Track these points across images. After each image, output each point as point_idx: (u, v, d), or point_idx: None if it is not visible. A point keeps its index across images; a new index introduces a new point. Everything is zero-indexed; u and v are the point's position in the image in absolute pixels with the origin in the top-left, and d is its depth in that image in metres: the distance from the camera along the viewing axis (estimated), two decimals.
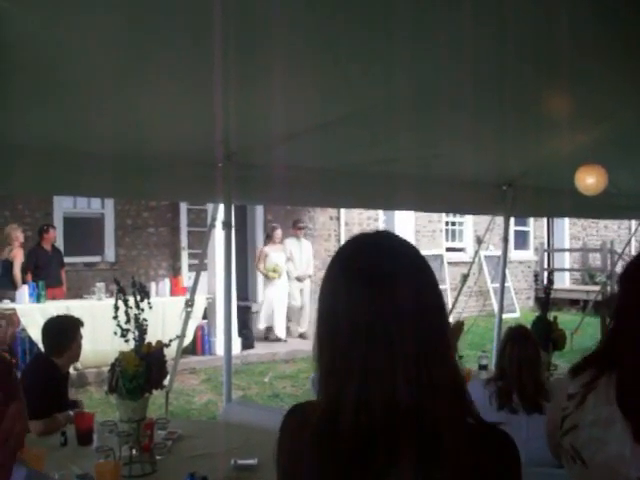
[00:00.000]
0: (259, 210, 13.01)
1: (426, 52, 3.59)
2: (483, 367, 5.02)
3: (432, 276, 1.30)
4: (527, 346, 3.56)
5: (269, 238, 12.20)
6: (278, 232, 12.07)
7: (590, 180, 5.53)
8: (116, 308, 2.81)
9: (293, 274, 12.32)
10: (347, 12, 3.09)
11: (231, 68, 3.35)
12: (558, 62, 3.95)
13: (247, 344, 11.26)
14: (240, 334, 11.04)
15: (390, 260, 1.25)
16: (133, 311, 2.80)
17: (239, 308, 11.15)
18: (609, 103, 4.80)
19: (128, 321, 2.83)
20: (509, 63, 3.87)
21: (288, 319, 12.45)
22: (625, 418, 1.53)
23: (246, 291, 13.04)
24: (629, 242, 11.41)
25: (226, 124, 4.13)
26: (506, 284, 14.81)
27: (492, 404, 3.43)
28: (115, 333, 2.84)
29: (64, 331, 4.29)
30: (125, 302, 2.80)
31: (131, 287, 2.94)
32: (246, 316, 11.70)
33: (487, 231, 7.44)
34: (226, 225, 4.94)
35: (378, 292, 1.20)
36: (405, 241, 1.32)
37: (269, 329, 12.21)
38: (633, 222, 11.52)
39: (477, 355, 5.32)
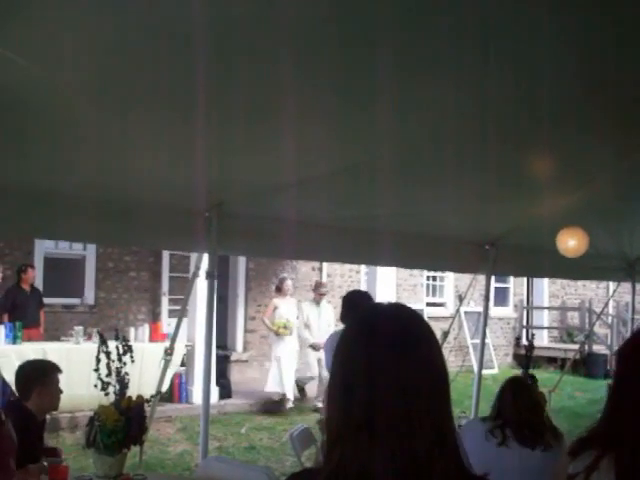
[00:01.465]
0: (241, 259, 13.01)
1: (410, 112, 3.65)
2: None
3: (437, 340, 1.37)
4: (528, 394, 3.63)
5: (279, 290, 11.45)
6: (288, 283, 11.43)
7: (571, 242, 5.61)
8: (98, 360, 2.78)
9: (309, 341, 11.15)
10: (330, 71, 3.14)
11: (217, 117, 3.39)
12: (540, 127, 4.04)
13: (224, 393, 11.14)
14: (218, 383, 10.93)
15: (410, 325, 1.31)
16: (115, 364, 2.77)
17: (218, 357, 11.05)
18: (589, 168, 4.91)
19: (109, 374, 2.79)
20: (492, 125, 3.94)
21: (300, 388, 11.66)
22: None
23: (225, 339, 12.96)
24: (607, 302, 11.47)
25: (213, 174, 4.17)
26: (487, 340, 14.83)
27: (489, 440, 3.46)
28: (95, 386, 2.79)
29: (39, 376, 4.12)
30: (107, 354, 2.77)
31: (114, 338, 2.91)
32: (224, 365, 11.59)
33: (468, 289, 7.49)
34: (210, 275, 4.94)
35: (401, 356, 1.24)
36: (412, 309, 1.39)
37: (283, 399, 11.14)
38: (611, 282, 11.64)
39: (457, 415, 5.29)
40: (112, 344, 3.02)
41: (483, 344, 7.37)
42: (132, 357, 2.92)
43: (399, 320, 1.32)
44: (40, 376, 4.07)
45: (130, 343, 2.98)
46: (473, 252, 6.59)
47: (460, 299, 7.21)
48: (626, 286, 8.39)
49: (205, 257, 5.09)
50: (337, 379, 1.27)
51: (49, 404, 4.15)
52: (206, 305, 5.09)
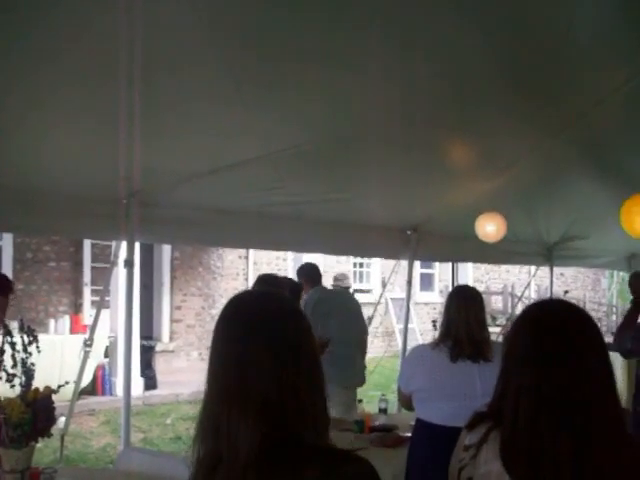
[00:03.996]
0: (166, 247, 12.80)
1: (334, 101, 3.64)
2: (383, 410, 5.03)
3: None
4: (472, 300, 3.63)
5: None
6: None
7: (490, 228, 5.71)
8: (1, 352, 2.67)
9: None
10: (256, 55, 3.11)
11: (136, 105, 3.30)
12: (460, 114, 4.09)
13: (150, 384, 10.98)
14: (143, 374, 10.76)
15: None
16: (20, 355, 2.67)
17: (142, 347, 10.88)
18: (509, 154, 5.00)
19: (15, 365, 2.69)
20: (413, 112, 3.97)
21: None
22: (507, 473, 1.56)
23: (150, 329, 12.75)
24: (528, 285, 11.76)
25: (130, 161, 4.06)
26: (411, 325, 15.02)
27: (444, 359, 3.48)
28: (0, 378, 2.69)
29: None
30: (12, 345, 2.67)
31: (19, 329, 2.81)
32: (149, 355, 11.41)
33: (392, 274, 7.55)
34: (128, 264, 4.83)
35: None
36: None
37: None
38: (533, 266, 11.94)
39: (378, 398, 5.33)
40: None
41: (406, 329, 7.45)
42: (38, 347, 2.81)
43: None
44: None
45: (35, 333, 2.85)
46: (396, 238, 6.64)
47: (384, 284, 7.25)
48: (547, 270, 8.60)
49: (124, 245, 4.98)
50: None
51: None
52: (125, 294, 4.97)
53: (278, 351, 1.30)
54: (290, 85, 3.42)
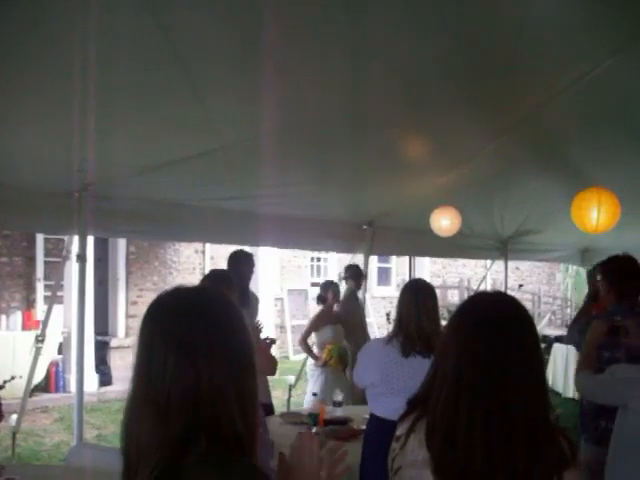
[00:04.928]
0: (121, 242, 12.65)
1: (290, 92, 3.63)
2: (338, 404, 5.05)
3: None
4: (424, 295, 3.62)
5: (323, 301, 6.97)
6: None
7: (444, 222, 5.77)
8: None
9: None
10: (210, 49, 3.09)
11: (90, 98, 3.25)
12: (415, 110, 4.11)
13: (105, 380, 10.84)
14: (97, 370, 10.62)
15: None
16: None
17: (97, 343, 10.74)
18: (463, 150, 5.04)
19: None
20: (369, 108, 3.98)
21: None
22: (434, 464, 1.58)
23: (106, 325, 12.59)
24: (484, 279, 11.89)
25: (83, 154, 4.00)
26: (368, 319, 15.08)
27: (396, 354, 3.48)
28: None
29: None
30: None
31: None
32: (104, 351, 11.26)
33: (342, 268, 7.57)
34: (80, 258, 4.76)
35: None
36: None
37: None
38: (489, 260, 12.09)
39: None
40: None
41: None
42: None
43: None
44: None
45: None
46: (352, 232, 6.68)
47: (339, 279, 7.26)
48: (503, 264, 8.73)
49: (77, 239, 4.91)
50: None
51: None
52: (77, 289, 4.90)
53: (186, 352, 1.26)
54: (243, 80, 3.40)
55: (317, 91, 3.69)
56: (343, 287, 7.03)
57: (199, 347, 1.27)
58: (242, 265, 5.65)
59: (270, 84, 3.45)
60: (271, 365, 4.06)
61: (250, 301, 5.65)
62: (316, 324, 6.85)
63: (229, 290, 3.73)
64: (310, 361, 6.80)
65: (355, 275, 6.87)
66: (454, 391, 1.61)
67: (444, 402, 1.62)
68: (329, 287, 6.85)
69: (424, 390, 1.75)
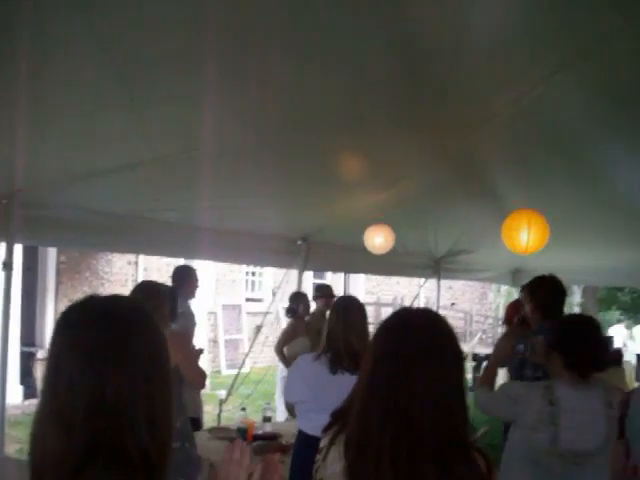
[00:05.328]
0: (52, 251, 12.35)
1: (225, 108, 3.62)
2: (267, 419, 5.02)
3: None
4: (352, 312, 3.62)
5: (293, 313, 7.04)
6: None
7: (378, 239, 5.82)
8: None
9: None
10: (144, 59, 3.05)
11: (20, 103, 3.18)
12: (351, 127, 4.14)
13: (30, 393, 10.54)
14: (22, 382, 10.32)
15: None
16: None
17: (22, 354, 10.45)
18: (398, 169, 5.10)
19: None
20: (306, 125, 3.99)
21: None
22: (348, 474, 1.60)
23: (32, 336, 12.25)
24: (417, 297, 12.02)
25: (11, 160, 3.90)
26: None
27: (324, 371, 3.47)
28: None
29: None
30: None
31: None
32: (30, 362, 10.96)
33: (282, 284, 7.55)
34: (7, 266, 4.63)
35: None
36: None
37: None
38: (423, 278, 12.26)
39: (262, 407, 5.31)
40: None
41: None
42: None
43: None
44: None
45: None
46: (286, 247, 6.67)
47: (273, 294, 7.24)
48: (436, 282, 8.86)
49: (3, 247, 4.77)
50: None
51: None
52: (3, 298, 4.76)
53: (92, 363, 1.23)
54: (182, 90, 3.38)
55: (254, 106, 3.69)
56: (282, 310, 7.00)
57: (106, 359, 1.24)
58: (186, 280, 5.68)
59: (208, 96, 3.43)
60: (200, 378, 4.02)
61: (185, 316, 5.61)
62: (289, 337, 6.84)
63: (159, 302, 3.68)
64: (283, 372, 6.74)
65: (326, 295, 6.82)
66: (367, 405, 1.63)
67: (358, 415, 1.64)
68: (300, 299, 6.86)
69: (347, 403, 1.77)
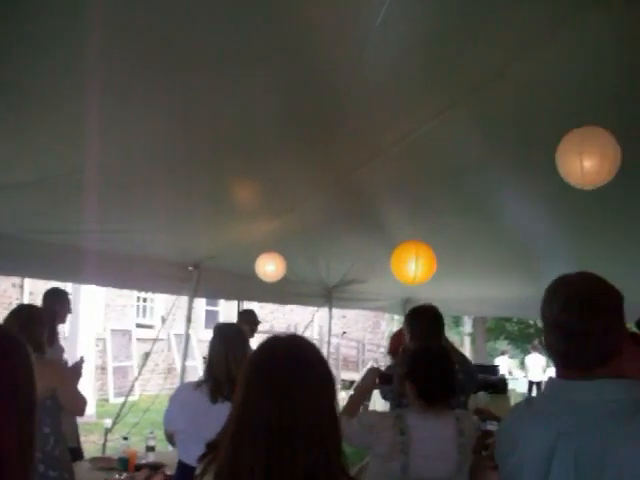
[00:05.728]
0: None
1: (114, 129, 3.56)
2: (150, 448, 4.91)
3: None
4: (233, 340, 3.59)
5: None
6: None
7: (269, 267, 5.84)
8: None
9: None
10: (32, 76, 2.98)
11: None
12: (245, 156, 4.16)
13: None
14: None
15: None
16: None
17: None
18: (291, 198, 5.15)
19: None
20: (198, 150, 3.99)
21: None
22: None
23: None
24: (309, 325, 12.07)
25: None
26: (194, 362, 14.85)
27: (204, 400, 3.41)
28: None
29: None
30: None
31: None
32: None
33: (171, 310, 7.44)
34: None
35: None
36: None
37: None
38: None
39: (146, 436, 5.20)
40: None
41: (183, 366, 7.39)
42: None
43: None
44: None
45: None
46: (177, 273, 6.58)
47: (163, 320, 7.14)
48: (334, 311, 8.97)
49: None
50: None
51: None
52: None
53: None
54: (67, 112, 3.31)
55: (141, 133, 3.65)
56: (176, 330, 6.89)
57: None
58: (57, 304, 5.49)
59: (94, 118, 3.38)
60: (80, 404, 3.90)
61: (58, 341, 5.48)
62: None
63: (36, 328, 3.57)
64: None
65: (250, 321, 6.67)
66: (238, 434, 1.61)
67: (228, 445, 1.61)
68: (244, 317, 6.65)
69: (221, 433, 1.73)
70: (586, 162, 3.18)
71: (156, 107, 3.37)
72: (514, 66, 3.20)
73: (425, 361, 3.15)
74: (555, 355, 1.79)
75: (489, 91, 3.43)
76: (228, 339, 3.58)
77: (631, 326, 5.19)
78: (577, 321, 1.71)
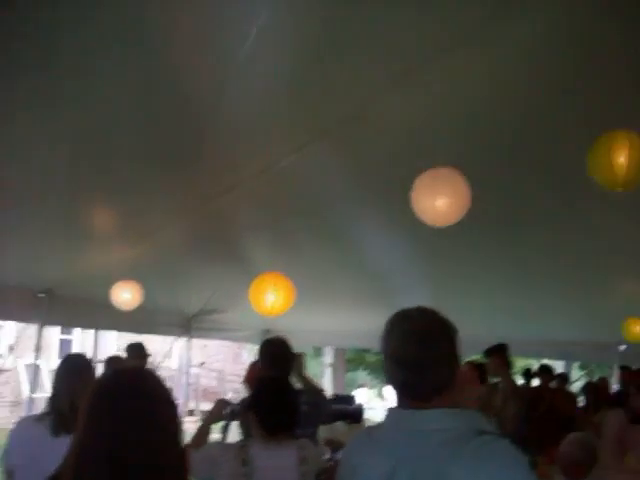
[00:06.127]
0: None
1: (43, 141, 3.40)
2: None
3: None
4: (79, 371, 3.38)
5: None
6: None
7: (125, 295, 5.68)
8: None
9: None
10: None
11: None
12: (100, 179, 4.03)
13: None
14: None
15: None
16: None
17: None
18: (147, 225, 5.03)
19: None
20: (49, 172, 3.82)
21: None
22: None
23: None
24: (168, 354, 11.82)
25: None
26: (46, 394, 14.08)
27: (45, 434, 3.21)
28: None
29: None
30: None
31: None
32: None
33: (18, 339, 7.07)
34: None
35: None
36: None
37: None
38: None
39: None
40: None
41: (30, 398, 7.01)
42: None
43: None
44: None
45: None
46: (27, 300, 6.24)
47: (11, 348, 6.76)
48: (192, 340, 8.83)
49: None
50: None
51: None
52: None
53: None
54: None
55: (73, 145, 3.54)
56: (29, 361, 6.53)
57: None
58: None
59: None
60: None
61: None
62: None
63: None
64: None
65: (140, 355, 6.26)
66: (79, 469, 1.55)
67: (71, 477, 1.55)
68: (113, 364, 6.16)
69: (61, 468, 1.66)
70: (438, 201, 3.29)
71: (15, 129, 3.23)
72: (370, 107, 3.28)
73: (266, 392, 3.16)
74: (394, 386, 1.84)
75: (349, 128, 3.50)
76: (74, 370, 3.41)
77: (479, 357, 5.42)
78: (412, 354, 1.77)
